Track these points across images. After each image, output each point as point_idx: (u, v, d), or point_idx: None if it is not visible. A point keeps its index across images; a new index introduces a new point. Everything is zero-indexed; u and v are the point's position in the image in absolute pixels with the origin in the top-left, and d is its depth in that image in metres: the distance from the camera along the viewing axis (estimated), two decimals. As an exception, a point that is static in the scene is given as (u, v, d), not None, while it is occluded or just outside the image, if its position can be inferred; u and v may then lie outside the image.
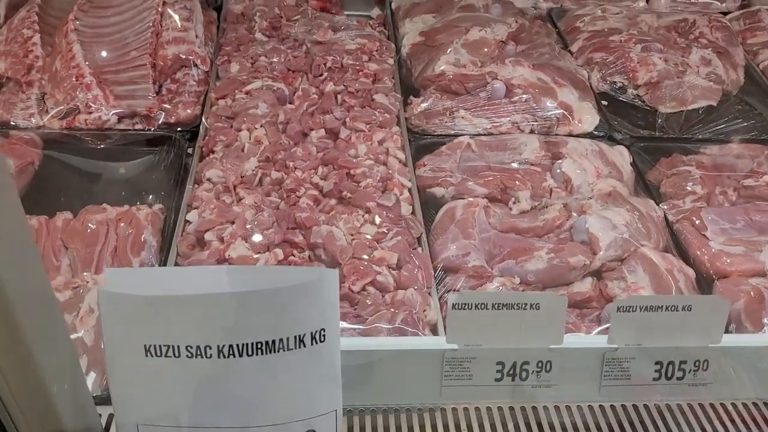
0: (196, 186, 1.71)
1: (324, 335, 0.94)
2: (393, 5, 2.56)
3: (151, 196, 1.76)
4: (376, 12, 2.61)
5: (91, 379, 1.29)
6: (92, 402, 0.99)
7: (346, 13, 2.58)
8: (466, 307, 0.98)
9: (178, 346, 0.83)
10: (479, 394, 1.20)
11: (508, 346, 1.00)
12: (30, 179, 1.77)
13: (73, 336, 1.38)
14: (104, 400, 0.94)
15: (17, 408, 0.84)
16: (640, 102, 2.21)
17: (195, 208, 1.64)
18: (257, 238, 1.53)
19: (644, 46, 2.31)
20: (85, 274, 1.47)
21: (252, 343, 0.84)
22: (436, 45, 2.23)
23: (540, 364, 1.14)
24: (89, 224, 1.58)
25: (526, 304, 0.98)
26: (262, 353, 0.85)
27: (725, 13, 2.68)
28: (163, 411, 0.87)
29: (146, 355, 0.83)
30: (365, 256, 1.51)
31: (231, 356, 0.84)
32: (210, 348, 0.83)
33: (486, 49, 2.20)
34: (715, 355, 1.16)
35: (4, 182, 0.73)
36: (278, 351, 0.85)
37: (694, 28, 2.44)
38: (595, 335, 1.27)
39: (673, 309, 1.01)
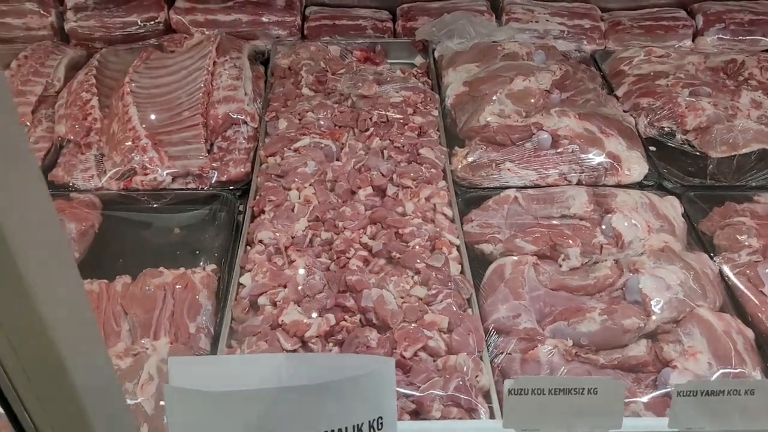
0: (248, 248, 1.75)
1: (381, 423, 0.96)
2: (436, 54, 2.58)
3: (204, 256, 1.81)
4: (419, 60, 2.64)
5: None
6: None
7: (389, 62, 2.62)
8: (523, 392, 0.98)
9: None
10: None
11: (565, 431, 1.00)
12: (91, 242, 1.83)
13: (133, 402, 1.42)
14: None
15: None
16: (689, 147, 2.18)
17: (248, 271, 1.67)
18: (309, 302, 1.55)
19: (692, 90, 2.28)
20: (143, 341, 1.52)
21: (312, 434, 0.87)
22: (480, 95, 2.24)
23: (600, 448, 1.12)
24: (147, 289, 1.64)
25: (583, 389, 0.98)
26: (321, 443, 0.87)
27: (774, 50, 2.64)
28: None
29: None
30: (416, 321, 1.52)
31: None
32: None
33: (531, 99, 2.20)
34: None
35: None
36: (337, 441, 0.88)
37: (743, 69, 2.40)
38: (655, 419, 1.24)
39: (735, 393, 0.99)
